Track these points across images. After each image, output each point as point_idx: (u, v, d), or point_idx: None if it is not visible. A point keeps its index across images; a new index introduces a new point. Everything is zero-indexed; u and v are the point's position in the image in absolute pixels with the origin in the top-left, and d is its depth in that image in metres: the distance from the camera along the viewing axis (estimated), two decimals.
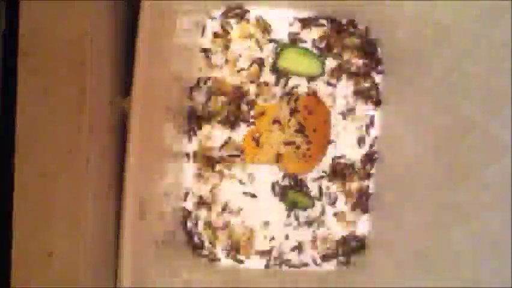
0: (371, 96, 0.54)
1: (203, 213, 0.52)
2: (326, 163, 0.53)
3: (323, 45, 0.53)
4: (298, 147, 0.53)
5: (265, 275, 0.52)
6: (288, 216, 0.53)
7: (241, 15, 0.53)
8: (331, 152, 0.53)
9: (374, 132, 0.54)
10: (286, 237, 0.53)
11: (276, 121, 0.53)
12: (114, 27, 0.36)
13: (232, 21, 0.53)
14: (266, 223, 0.53)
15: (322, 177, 0.53)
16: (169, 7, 0.40)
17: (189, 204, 0.52)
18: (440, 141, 0.43)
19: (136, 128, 0.32)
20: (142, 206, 0.35)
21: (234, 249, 0.52)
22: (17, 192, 0.30)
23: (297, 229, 0.53)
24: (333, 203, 0.53)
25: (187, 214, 0.52)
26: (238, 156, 0.52)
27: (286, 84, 0.53)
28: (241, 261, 0.52)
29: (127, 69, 0.33)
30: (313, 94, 0.53)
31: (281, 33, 0.53)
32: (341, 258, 0.53)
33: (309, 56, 0.53)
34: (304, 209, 0.53)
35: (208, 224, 0.52)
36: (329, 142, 0.53)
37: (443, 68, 0.43)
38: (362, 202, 0.53)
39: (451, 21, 0.41)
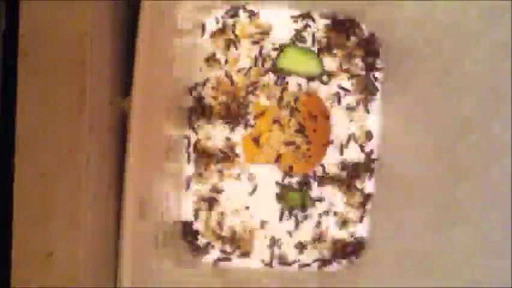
0: (370, 96, 0.54)
1: (203, 213, 0.52)
2: (325, 163, 0.53)
3: (323, 44, 0.53)
4: (298, 147, 0.53)
5: (265, 275, 0.52)
6: (288, 216, 0.53)
7: (242, 15, 0.53)
8: (331, 152, 0.53)
9: (373, 132, 0.54)
10: (286, 237, 0.53)
11: (276, 121, 0.53)
12: (114, 27, 0.36)
13: (232, 21, 0.53)
14: (266, 223, 0.53)
15: (322, 177, 0.53)
16: (169, 7, 0.40)
17: (189, 204, 0.52)
18: (440, 141, 0.43)
19: (136, 128, 0.32)
20: (142, 206, 0.34)
21: (234, 249, 0.52)
22: (17, 192, 0.30)
23: (297, 229, 0.53)
24: (333, 203, 0.53)
25: (187, 214, 0.52)
26: (238, 156, 0.52)
27: (286, 84, 0.53)
28: (241, 261, 0.52)
29: (127, 69, 0.33)
30: (313, 94, 0.53)
31: (281, 32, 0.53)
32: (341, 259, 0.53)
33: (309, 56, 0.53)
34: (304, 209, 0.53)
35: (208, 224, 0.52)
36: (329, 142, 0.53)
37: (443, 68, 0.43)
38: (361, 202, 0.53)
39: (451, 21, 0.41)
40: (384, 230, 0.51)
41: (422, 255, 0.43)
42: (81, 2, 0.31)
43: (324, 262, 0.53)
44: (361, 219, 0.53)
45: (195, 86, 0.52)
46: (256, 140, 0.52)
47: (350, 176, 0.53)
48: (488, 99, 0.37)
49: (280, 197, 0.53)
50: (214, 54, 0.52)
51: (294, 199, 0.52)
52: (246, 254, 0.52)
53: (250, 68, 0.53)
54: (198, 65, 0.52)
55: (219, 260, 0.52)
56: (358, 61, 0.53)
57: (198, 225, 0.52)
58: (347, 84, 0.53)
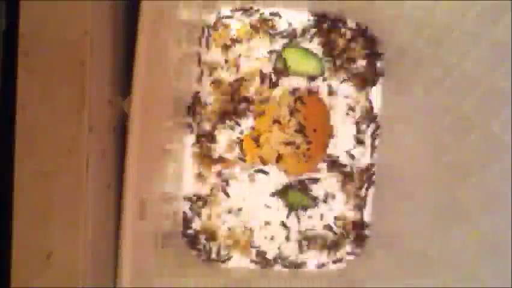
0: (370, 96, 0.54)
1: (203, 213, 0.52)
2: (325, 163, 0.53)
3: (323, 45, 0.53)
4: (298, 147, 0.53)
5: (264, 275, 0.52)
6: (288, 216, 0.53)
7: (242, 15, 0.53)
8: (331, 151, 0.53)
9: (374, 132, 0.54)
10: (286, 237, 0.53)
11: (276, 121, 0.53)
12: (114, 27, 0.36)
13: (233, 21, 0.53)
14: (266, 223, 0.53)
15: (322, 177, 0.53)
16: (169, 7, 0.40)
17: (189, 204, 0.52)
18: (440, 141, 0.43)
19: (136, 128, 0.32)
20: (142, 206, 0.34)
21: (234, 249, 0.52)
22: (17, 192, 0.30)
23: (297, 229, 0.53)
24: (333, 203, 0.53)
25: (186, 214, 0.52)
26: (238, 156, 0.52)
27: (286, 84, 0.53)
28: (241, 261, 0.52)
29: (127, 69, 0.33)
30: (313, 94, 0.53)
31: (282, 33, 0.53)
32: (341, 258, 0.53)
33: (309, 56, 0.53)
34: (305, 208, 0.53)
35: (208, 224, 0.52)
36: (329, 142, 0.53)
37: (443, 68, 0.43)
38: (361, 201, 0.53)
39: (451, 21, 0.41)
40: (384, 230, 0.51)
41: (422, 255, 0.43)
42: (81, 2, 0.31)
43: (323, 262, 0.53)
44: (361, 219, 0.53)
45: (195, 86, 0.52)
46: (256, 140, 0.52)
47: (350, 176, 0.53)
48: (488, 99, 0.37)
49: (280, 197, 0.53)
50: (213, 55, 0.52)
51: (295, 199, 0.52)
52: (245, 254, 0.52)
53: (251, 67, 0.53)
54: (197, 65, 0.52)
55: (218, 259, 0.52)
56: (358, 61, 0.53)
57: (198, 225, 0.52)
58: (347, 84, 0.53)
